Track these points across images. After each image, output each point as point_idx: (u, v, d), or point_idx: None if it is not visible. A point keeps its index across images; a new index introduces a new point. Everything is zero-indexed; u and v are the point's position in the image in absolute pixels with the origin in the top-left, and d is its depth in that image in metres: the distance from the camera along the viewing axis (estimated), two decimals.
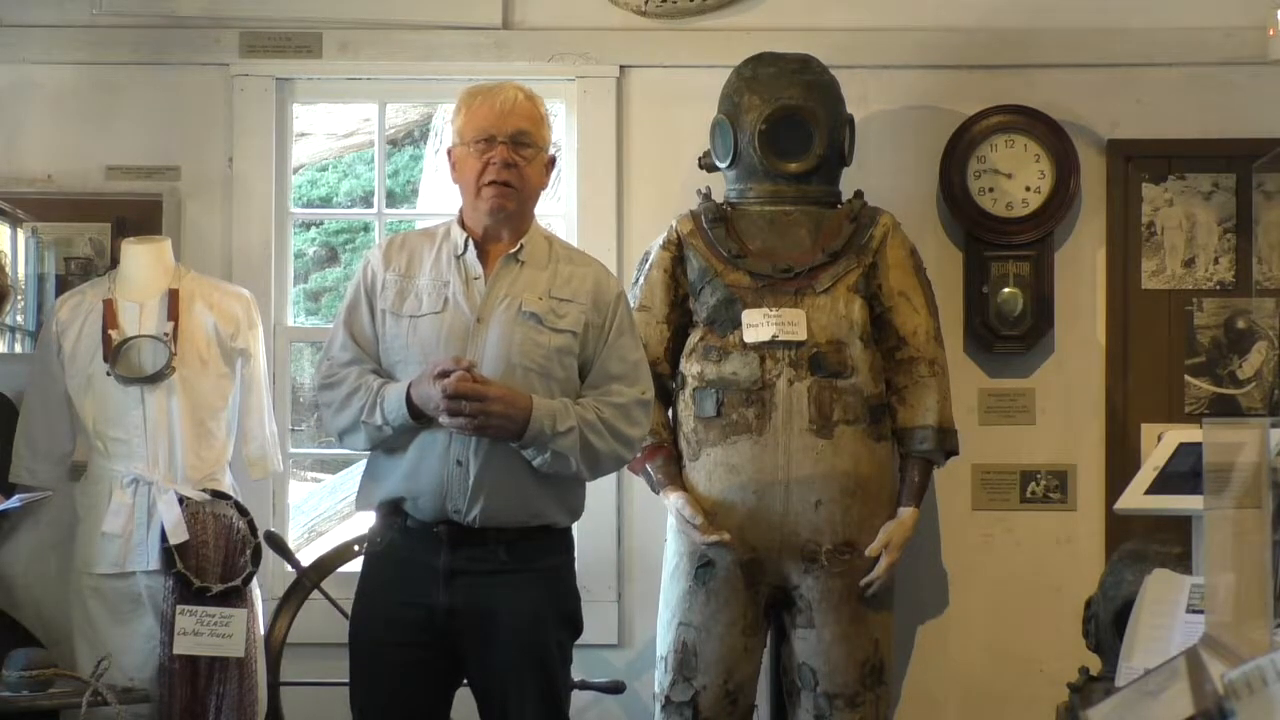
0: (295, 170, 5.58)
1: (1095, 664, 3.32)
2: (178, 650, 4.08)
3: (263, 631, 4.30)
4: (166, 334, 4.24)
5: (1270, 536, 2.15)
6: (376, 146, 5.12)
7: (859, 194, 4.35)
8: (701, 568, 4.16)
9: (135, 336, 4.25)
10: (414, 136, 9.32)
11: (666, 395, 4.26)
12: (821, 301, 4.19)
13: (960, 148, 4.67)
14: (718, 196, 4.37)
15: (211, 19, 4.77)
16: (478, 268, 3.55)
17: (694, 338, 4.27)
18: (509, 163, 3.51)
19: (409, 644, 3.49)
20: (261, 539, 4.26)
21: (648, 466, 4.21)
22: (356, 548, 4.28)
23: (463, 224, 3.61)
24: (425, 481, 3.46)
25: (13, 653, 4.00)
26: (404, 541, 3.51)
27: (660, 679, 4.23)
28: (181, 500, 4.16)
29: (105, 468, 4.23)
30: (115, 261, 4.50)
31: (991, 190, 4.67)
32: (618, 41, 4.75)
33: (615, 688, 4.44)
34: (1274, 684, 1.84)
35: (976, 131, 4.67)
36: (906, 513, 4.20)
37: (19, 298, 4.68)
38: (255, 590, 4.27)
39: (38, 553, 4.56)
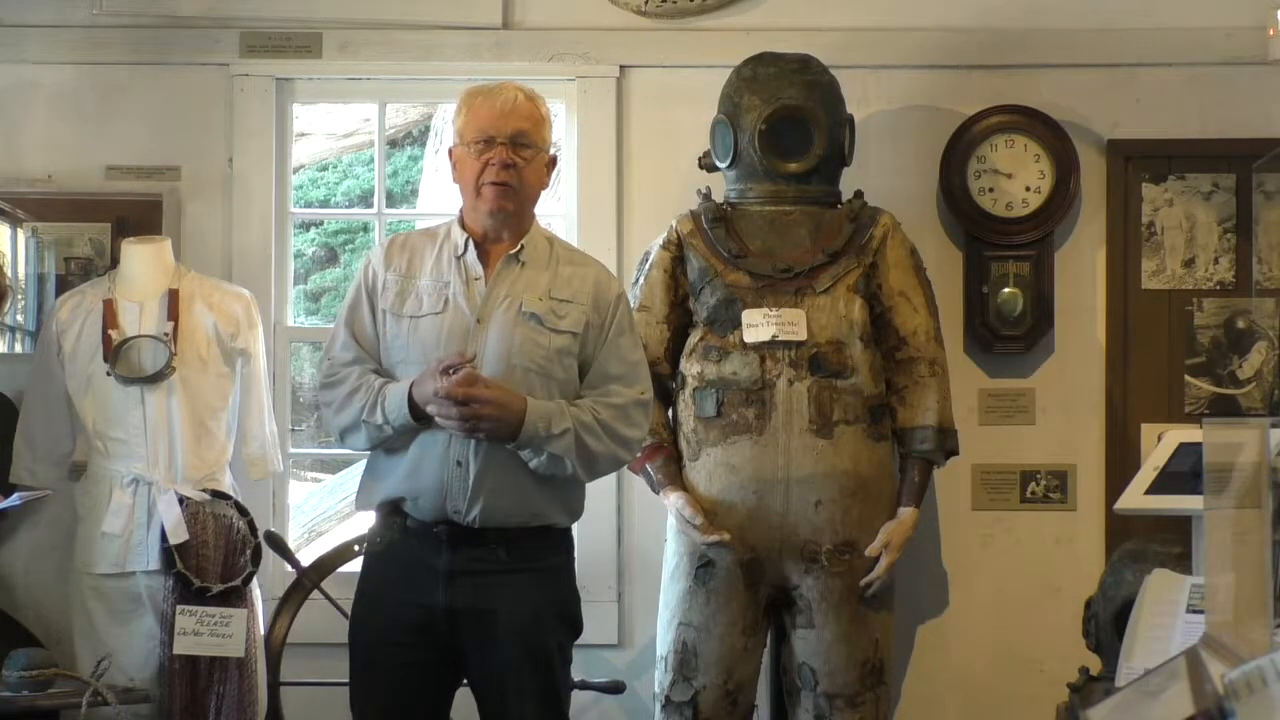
0: (295, 170, 5.57)
1: (1095, 664, 3.32)
2: (178, 650, 4.09)
3: (263, 631, 4.30)
4: (166, 334, 4.24)
5: (1270, 536, 2.15)
6: (376, 146, 5.12)
7: (859, 194, 4.35)
8: (701, 568, 4.16)
9: (135, 336, 4.26)
10: (414, 136, 9.32)
11: (666, 395, 4.26)
12: (821, 301, 4.19)
13: (960, 148, 4.67)
14: (718, 196, 4.37)
15: (211, 19, 4.77)
16: (478, 268, 3.55)
17: (694, 338, 4.27)
18: (509, 163, 3.51)
19: (409, 644, 3.49)
20: (261, 539, 4.26)
21: (648, 466, 4.21)
22: (356, 548, 4.28)
23: (463, 224, 3.61)
24: (425, 481, 3.46)
25: (13, 653, 4.00)
26: (404, 541, 3.51)
27: (660, 679, 4.23)
28: (181, 500, 4.17)
29: (105, 468, 4.23)
30: (115, 261, 4.50)
31: (991, 190, 4.67)
32: (618, 41, 4.76)
33: (615, 688, 4.44)
34: (1274, 684, 1.84)
35: (976, 131, 4.67)
36: (906, 513, 4.20)
37: (19, 298, 4.68)
38: (255, 590, 4.28)
39: (38, 553, 4.56)
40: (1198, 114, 4.71)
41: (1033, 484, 4.74)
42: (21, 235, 4.71)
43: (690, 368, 4.23)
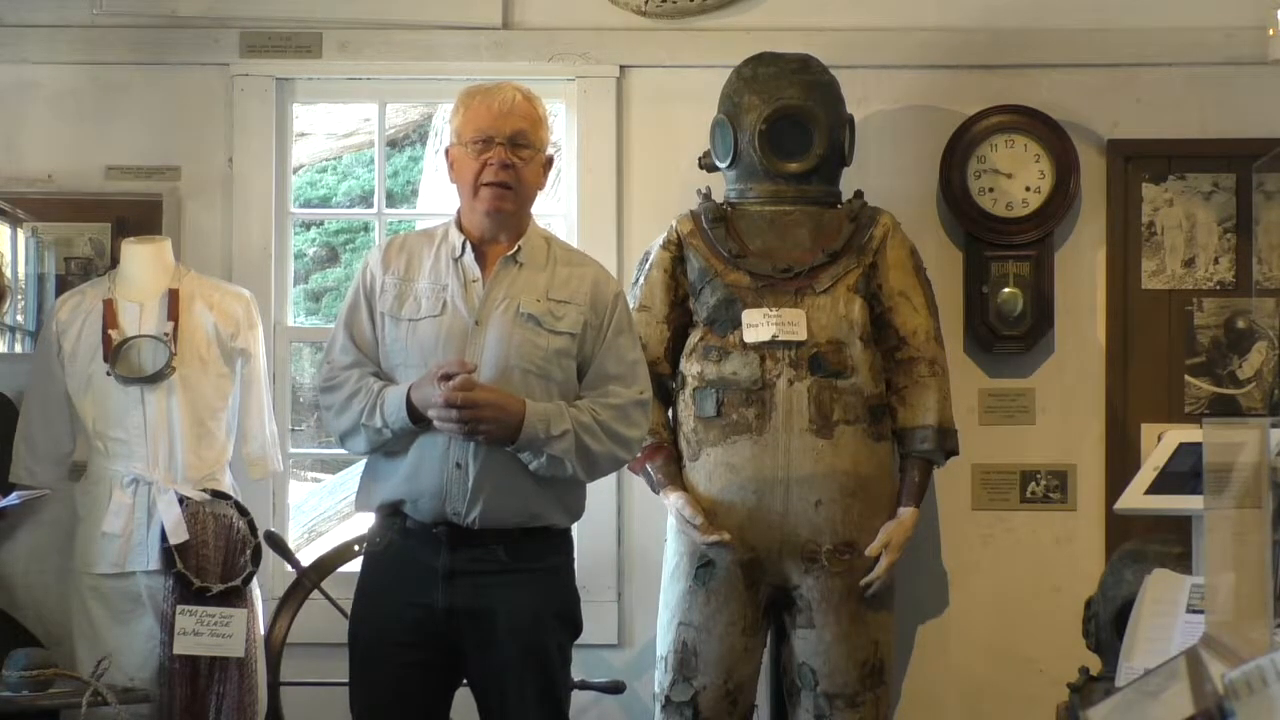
0: (295, 170, 5.58)
1: (1095, 664, 3.32)
2: (178, 650, 4.09)
3: (263, 631, 4.30)
4: (166, 334, 4.24)
5: (1270, 536, 2.15)
6: (376, 147, 5.12)
7: (859, 194, 4.35)
8: (701, 568, 4.16)
9: (135, 336, 4.25)
10: (414, 137, 9.31)
11: (666, 395, 4.27)
12: (821, 301, 4.19)
13: (960, 148, 4.67)
14: (718, 196, 4.37)
15: (211, 19, 4.77)
16: (476, 270, 3.55)
17: (694, 338, 4.27)
18: (506, 163, 3.51)
19: (408, 644, 3.49)
20: (261, 539, 4.26)
21: (648, 466, 4.21)
22: (356, 548, 4.28)
23: (460, 225, 3.61)
24: (425, 483, 3.46)
25: (13, 653, 3.99)
26: (403, 542, 3.51)
27: (660, 679, 4.23)
28: (181, 500, 4.16)
29: (105, 468, 4.23)
30: (115, 261, 4.50)
31: (991, 190, 4.67)
32: (618, 41, 4.76)
33: (615, 688, 4.44)
34: (1274, 684, 1.84)
35: (976, 131, 4.67)
36: (906, 513, 4.20)
37: (19, 298, 4.68)
38: (255, 590, 4.27)
39: (38, 553, 4.56)
40: (1198, 114, 4.71)
41: (1033, 484, 4.74)
42: (21, 235, 4.71)
43: (690, 368, 4.23)
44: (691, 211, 4.36)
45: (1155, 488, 3.46)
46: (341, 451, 4.06)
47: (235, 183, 4.77)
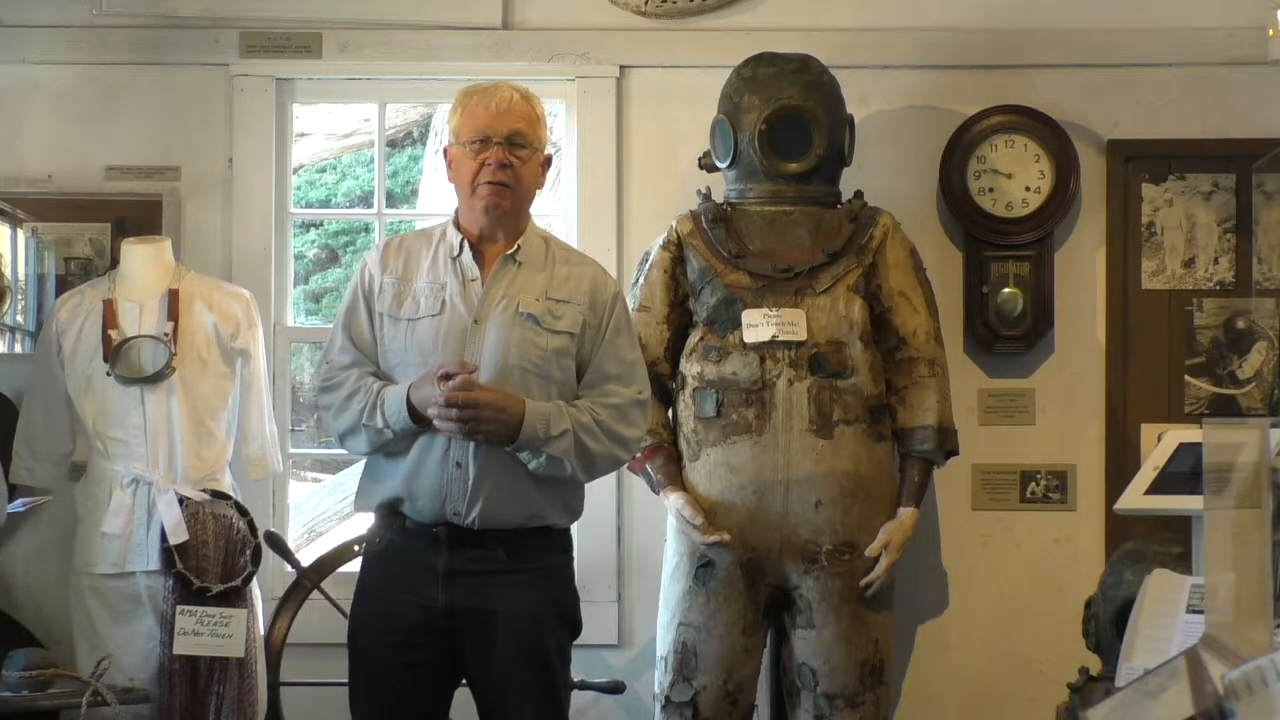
0: (295, 170, 5.58)
1: (1095, 664, 3.32)
2: (178, 650, 4.09)
3: (263, 631, 4.30)
4: (166, 334, 4.24)
5: (1270, 536, 2.15)
6: (376, 147, 5.12)
7: (859, 194, 4.35)
8: (701, 568, 4.16)
9: (135, 336, 4.25)
10: (414, 137, 9.32)
11: (666, 395, 4.27)
12: (821, 301, 4.19)
13: (960, 148, 4.67)
14: (718, 196, 4.37)
15: (211, 19, 4.77)
16: (474, 269, 3.55)
17: (694, 338, 4.27)
18: (504, 163, 3.50)
19: (408, 644, 3.49)
20: (261, 539, 4.26)
21: (648, 466, 4.21)
22: (356, 548, 4.28)
23: (458, 225, 3.61)
24: (424, 483, 3.46)
25: (13, 653, 4.00)
26: (403, 542, 3.51)
27: (660, 679, 4.23)
28: (181, 500, 4.16)
29: (105, 468, 4.23)
30: (115, 261, 4.50)
31: (991, 190, 4.67)
32: (618, 41, 4.76)
33: (615, 688, 4.44)
34: (1274, 684, 1.84)
35: (976, 131, 4.67)
36: (906, 513, 4.20)
37: (19, 298, 4.68)
38: (255, 590, 4.27)
39: (38, 553, 4.57)
40: (1198, 114, 4.71)
41: (1033, 484, 4.74)
42: (21, 235, 4.71)
43: (690, 368, 4.23)
44: (691, 211, 4.36)
45: (1155, 488, 3.47)
46: (341, 451, 4.06)
47: (235, 183, 4.77)
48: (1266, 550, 2.15)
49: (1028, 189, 4.66)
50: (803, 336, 4.15)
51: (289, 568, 4.42)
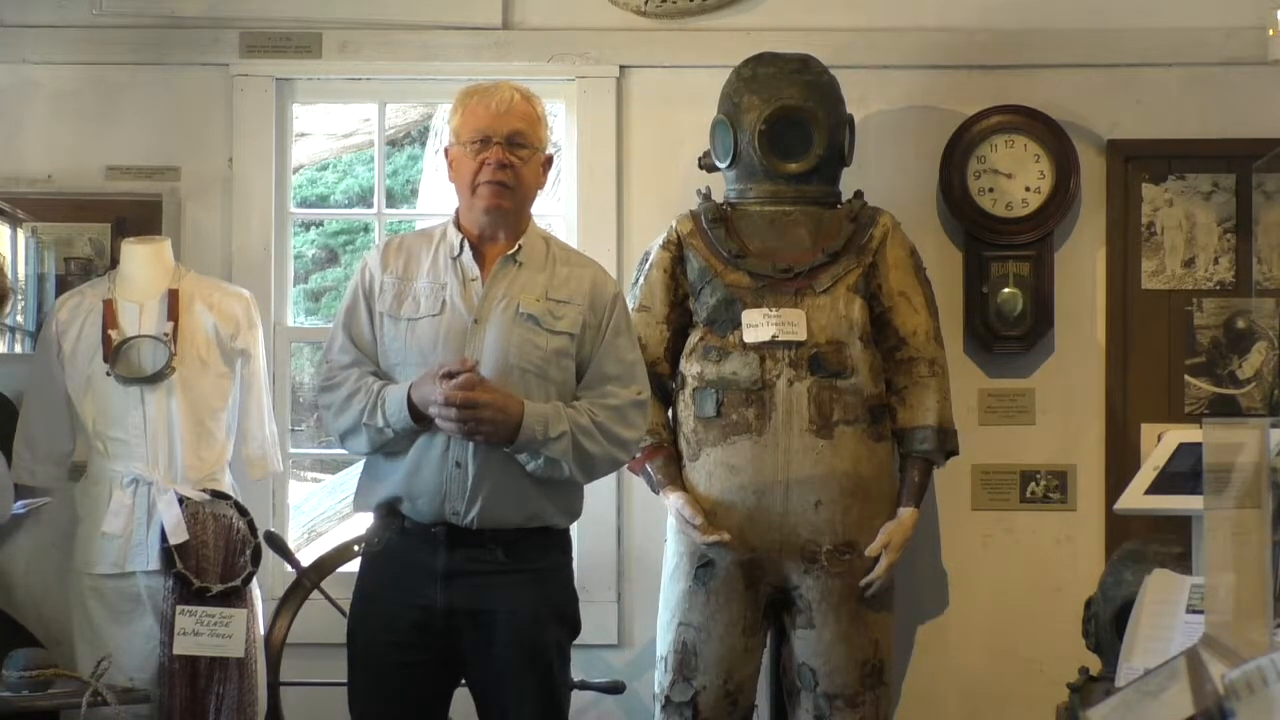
0: (295, 170, 5.58)
1: (1095, 664, 3.32)
2: (178, 650, 4.09)
3: (263, 631, 4.30)
4: (166, 334, 4.24)
5: (1270, 536, 2.15)
6: (376, 147, 5.12)
7: (859, 194, 4.35)
8: (701, 568, 4.16)
9: (135, 336, 4.25)
10: (413, 137, 9.32)
11: (666, 395, 4.27)
12: (821, 301, 4.19)
13: (960, 148, 4.67)
14: (718, 196, 4.37)
15: (211, 19, 4.77)
16: (474, 269, 3.55)
17: (694, 338, 4.27)
18: (504, 163, 3.50)
19: (407, 644, 3.48)
20: (261, 539, 4.26)
21: (648, 466, 4.21)
22: (356, 548, 4.28)
23: (458, 225, 3.60)
24: (424, 483, 3.46)
25: (13, 653, 4.00)
26: (402, 542, 3.51)
27: (660, 679, 4.23)
28: (181, 500, 4.16)
29: (105, 468, 4.23)
30: (115, 261, 4.50)
31: (991, 190, 4.67)
32: (618, 41, 4.76)
33: (615, 688, 4.44)
34: (1274, 684, 1.84)
35: (976, 131, 4.67)
36: (906, 513, 4.20)
37: (19, 298, 4.68)
38: (255, 590, 4.27)
39: (38, 553, 4.57)
40: (1198, 114, 4.71)
41: (1033, 484, 4.74)
42: (21, 235, 4.71)
43: (690, 368, 4.23)
44: (691, 211, 4.36)
45: (1155, 488, 3.47)
46: (341, 451, 4.06)
47: (235, 183, 4.77)
48: (1266, 550, 2.15)
49: (1028, 189, 4.66)
50: (803, 336, 4.15)
51: (289, 568, 4.42)
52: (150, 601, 4.16)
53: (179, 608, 4.09)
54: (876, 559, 4.13)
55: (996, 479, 4.73)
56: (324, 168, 9.77)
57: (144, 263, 4.35)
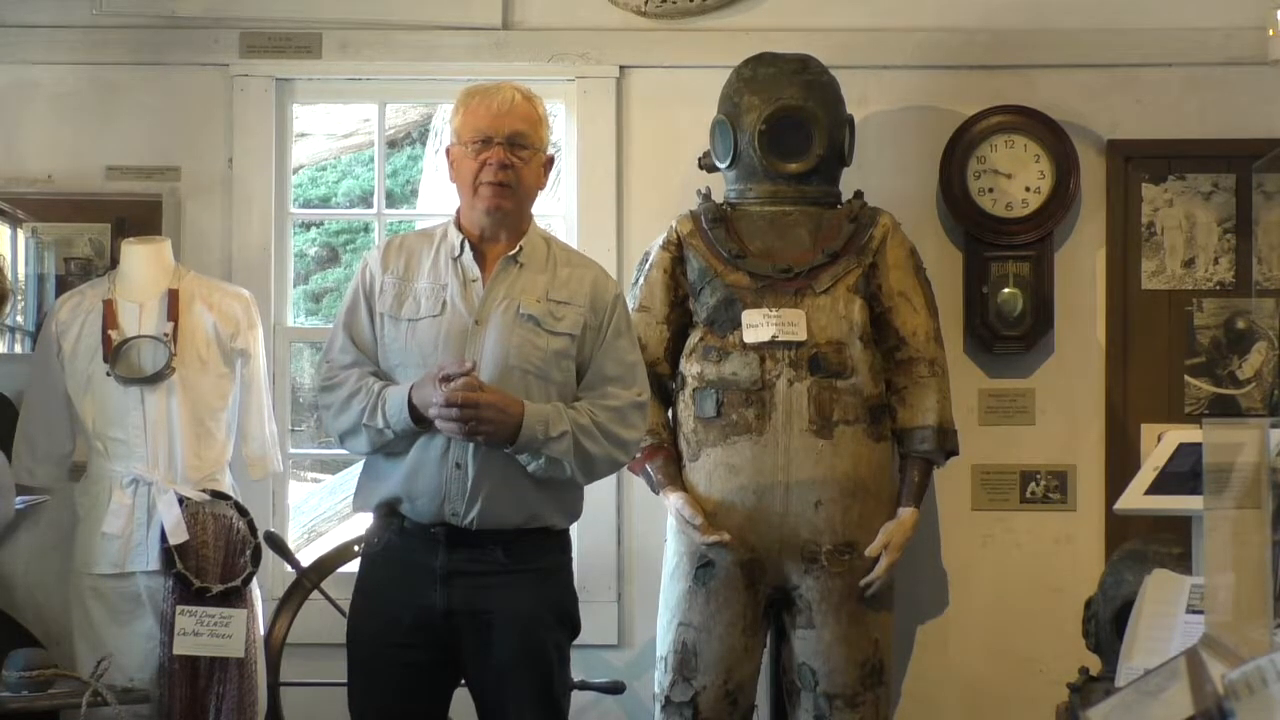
0: (295, 170, 5.58)
1: (1095, 664, 3.32)
2: (178, 650, 4.08)
3: (263, 632, 4.30)
4: (166, 334, 4.24)
5: (1270, 536, 2.15)
6: (376, 147, 5.13)
7: (859, 194, 4.35)
8: (701, 568, 4.16)
9: (135, 337, 4.25)
10: (413, 137, 9.31)
11: (666, 396, 4.26)
12: (821, 302, 4.19)
13: (960, 148, 4.67)
14: (717, 197, 4.37)
15: (211, 19, 4.77)
16: (475, 269, 3.55)
17: (694, 338, 4.27)
18: (505, 163, 3.50)
19: (407, 645, 3.48)
20: (261, 539, 4.26)
21: (647, 467, 4.21)
22: (356, 548, 4.27)
23: (459, 225, 3.60)
24: (424, 483, 3.46)
25: (13, 653, 4.00)
26: (401, 542, 3.51)
27: (660, 679, 4.23)
28: (181, 500, 4.16)
29: (105, 468, 4.23)
30: (115, 261, 4.50)
31: (991, 190, 4.67)
32: (618, 41, 4.76)
33: (615, 688, 4.44)
34: (1274, 684, 1.84)
35: (976, 131, 4.67)
36: (906, 513, 4.20)
37: (19, 298, 4.68)
38: (255, 590, 4.27)
39: (38, 553, 4.57)
40: (1198, 114, 4.71)
41: (1033, 484, 4.74)
42: (21, 235, 4.71)
43: (690, 368, 4.23)
44: (691, 212, 4.36)
45: (1155, 488, 3.46)
46: (341, 452, 4.06)
47: (235, 183, 4.77)
48: (1266, 550, 2.15)
49: (1028, 189, 4.66)
50: (802, 337, 4.15)
51: (289, 568, 4.42)
52: (150, 602, 4.16)
53: (179, 608, 4.09)
54: (876, 559, 4.13)
55: (996, 479, 4.73)
56: (324, 168, 9.77)
57: (144, 263, 4.35)
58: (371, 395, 3.48)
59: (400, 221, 6.75)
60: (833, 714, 4.13)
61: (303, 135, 7.91)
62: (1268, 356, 4.63)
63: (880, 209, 4.33)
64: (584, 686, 4.31)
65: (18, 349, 4.71)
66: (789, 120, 4.23)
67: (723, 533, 4.09)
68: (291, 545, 4.54)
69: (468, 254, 3.55)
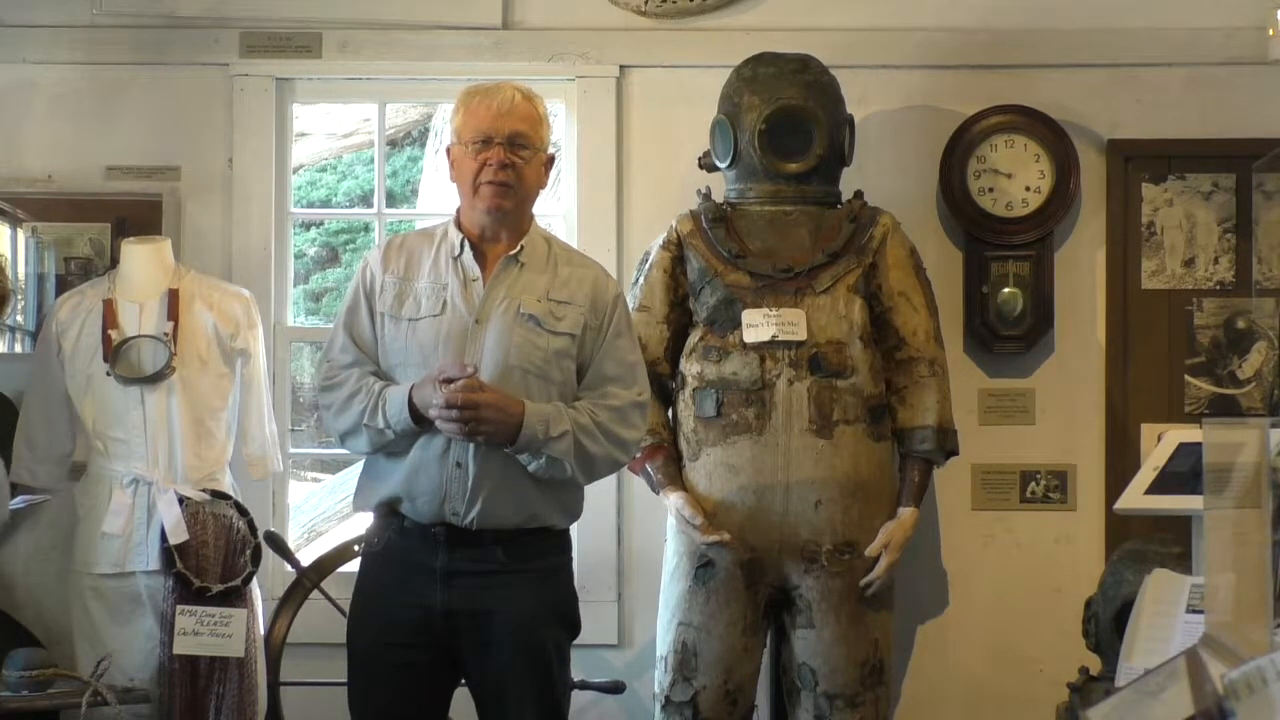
0: (295, 170, 5.57)
1: (1095, 664, 3.32)
2: (178, 650, 4.09)
3: (263, 631, 4.30)
4: (166, 334, 4.24)
5: (1270, 536, 2.15)
6: (376, 147, 5.13)
7: (859, 194, 4.35)
8: (701, 568, 4.16)
9: (135, 336, 4.25)
10: (413, 137, 9.32)
11: (666, 395, 4.26)
12: (821, 301, 4.19)
13: (960, 148, 4.67)
14: (718, 196, 4.37)
15: (211, 19, 4.77)
16: (475, 269, 3.55)
17: (694, 338, 4.27)
18: (506, 163, 3.50)
19: (407, 645, 3.48)
20: (261, 539, 4.26)
21: (648, 466, 4.21)
22: (356, 548, 4.27)
23: (459, 225, 3.60)
24: (424, 483, 3.46)
25: (13, 653, 4.00)
26: (401, 542, 3.51)
27: (660, 679, 4.23)
28: (181, 500, 4.16)
29: (105, 468, 4.23)
30: (115, 261, 4.50)
31: (991, 190, 4.67)
32: (618, 41, 4.76)
33: (615, 688, 4.44)
34: (1274, 684, 1.84)
35: (976, 131, 4.67)
36: (906, 513, 4.20)
37: (19, 298, 4.68)
38: (255, 590, 4.27)
39: (38, 553, 4.57)
40: (1198, 114, 4.71)
41: (1033, 484, 4.74)
42: (21, 235, 4.71)
43: (690, 368, 4.23)
44: (691, 211, 4.36)
45: (1155, 488, 3.47)
46: (341, 451, 4.07)
47: (235, 183, 4.77)
48: (1266, 550, 2.15)
49: (1028, 189, 4.66)
50: (803, 336, 4.15)
51: (289, 568, 4.42)
52: (150, 601, 4.16)
53: (179, 607, 4.09)
54: (876, 559, 4.13)
55: (996, 479, 4.73)
56: (324, 168, 9.77)
57: (144, 262, 4.35)
58: (372, 395, 3.49)
59: (400, 221, 6.75)
60: (833, 714, 4.13)
61: (303, 135, 7.91)
62: (1268, 356, 4.63)
63: (880, 209, 4.33)
64: (584, 686, 4.31)
65: (18, 349, 4.71)
66: (789, 120, 4.23)
67: (723, 533, 4.09)
68: (291, 545, 4.54)
69: (468, 253, 3.55)
